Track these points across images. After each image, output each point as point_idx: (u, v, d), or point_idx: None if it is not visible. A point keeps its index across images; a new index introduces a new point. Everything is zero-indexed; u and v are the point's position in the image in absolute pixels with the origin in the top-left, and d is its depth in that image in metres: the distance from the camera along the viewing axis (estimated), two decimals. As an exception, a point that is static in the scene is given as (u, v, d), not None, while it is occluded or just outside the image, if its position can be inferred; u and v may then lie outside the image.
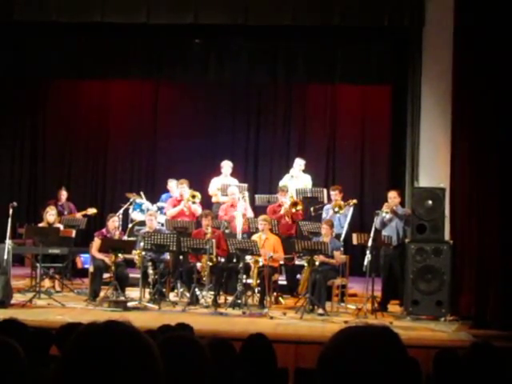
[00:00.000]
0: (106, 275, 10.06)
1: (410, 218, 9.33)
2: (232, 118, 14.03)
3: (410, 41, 10.41)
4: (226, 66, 12.94)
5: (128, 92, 14.44)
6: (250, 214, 11.05)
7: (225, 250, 9.72)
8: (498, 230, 8.54)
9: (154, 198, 12.36)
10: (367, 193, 13.58)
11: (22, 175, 14.18)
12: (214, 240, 9.56)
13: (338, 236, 10.11)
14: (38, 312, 8.59)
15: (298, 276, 10.41)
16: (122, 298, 9.37)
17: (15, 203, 10.07)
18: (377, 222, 9.54)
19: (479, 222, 8.71)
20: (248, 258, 9.44)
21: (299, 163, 11.73)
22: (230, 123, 14.03)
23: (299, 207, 10.78)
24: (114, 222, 10.22)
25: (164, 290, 9.79)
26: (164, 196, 12.01)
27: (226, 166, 11.78)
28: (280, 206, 10.87)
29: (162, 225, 10.84)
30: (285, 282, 10.69)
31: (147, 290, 9.74)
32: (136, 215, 12.13)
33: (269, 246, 9.69)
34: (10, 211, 9.68)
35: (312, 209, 11.00)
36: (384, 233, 9.60)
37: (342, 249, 9.87)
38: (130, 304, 9.31)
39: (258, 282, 9.46)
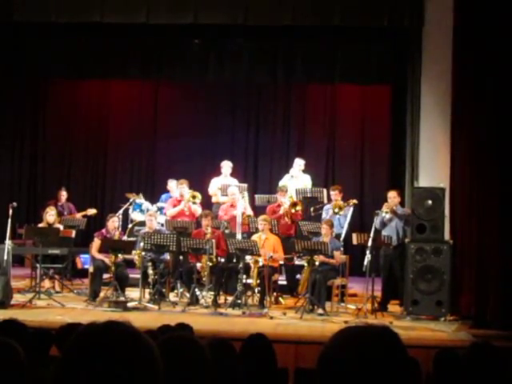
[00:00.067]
0: (105, 275, 10.06)
1: (410, 218, 9.33)
2: (232, 118, 14.04)
3: (410, 41, 10.42)
4: (226, 66, 12.92)
5: (128, 92, 14.45)
6: (250, 214, 11.06)
7: (225, 250, 9.72)
8: (497, 230, 8.53)
9: (153, 198, 12.37)
10: (367, 193, 13.58)
11: (22, 175, 14.18)
12: (213, 240, 9.56)
13: (337, 236, 10.11)
14: (37, 312, 8.59)
15: (298, 276, 10.41)
16: (122, 299, 9.37)
17: (15, 203, 10.06)
18: (377, 221, 9.54)
19: (479, 221, 8.70)
20: (248, 258, 9.43)
21: (299, 163, 11.73)
22: (230, 123, 14.03)
23: (298, 207, 10.78)
24: (113, 223, 10.22)
25: (164, 290, 9.79)
26: (164, 196, 12.02)
27: (226, 166, 11.78)
28: (279, 206, 10.87)
29: (162, 225, 10.83)
30: (285, 282, 10.68)
31: (147, 291, 9.74)
32: (136, 215, 12.13)
33: (269, 246, 9.69)
34: (10, 211, 9.68)
35: (312, 209, 10.99)
36: (384, 233, 9.60)
37: (341, 249, 9.87)
38: (129, 304, 9.31)
39: (258, 282, 9.46)
